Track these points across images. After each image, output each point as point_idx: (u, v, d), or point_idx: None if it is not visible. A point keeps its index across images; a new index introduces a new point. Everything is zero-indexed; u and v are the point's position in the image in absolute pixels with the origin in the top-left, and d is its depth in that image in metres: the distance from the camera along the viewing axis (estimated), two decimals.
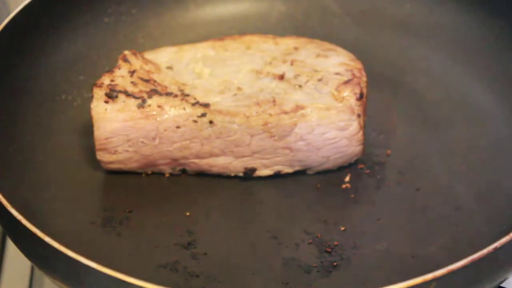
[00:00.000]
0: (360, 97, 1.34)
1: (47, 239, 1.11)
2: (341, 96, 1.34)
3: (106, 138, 1.33)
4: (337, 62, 1.40)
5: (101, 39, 1.56)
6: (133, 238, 1.30)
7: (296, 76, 1.38)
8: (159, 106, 1.32)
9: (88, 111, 1.32)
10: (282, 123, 1.32)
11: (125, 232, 1.31)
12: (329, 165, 1.37)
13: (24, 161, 1.36)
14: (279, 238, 1.30)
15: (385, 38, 1.60)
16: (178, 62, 1.42)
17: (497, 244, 1.10)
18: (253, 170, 1.37)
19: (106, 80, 1.34)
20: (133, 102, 1.32)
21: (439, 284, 1.07)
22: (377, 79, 1.48)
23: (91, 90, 1.33)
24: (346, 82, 1.35)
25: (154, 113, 1.32)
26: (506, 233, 1.12)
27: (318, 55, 1.41)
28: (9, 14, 1.42)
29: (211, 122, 1.32)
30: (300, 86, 1.36)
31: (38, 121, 1.43)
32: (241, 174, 1.38)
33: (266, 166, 1.36)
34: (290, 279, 1.24)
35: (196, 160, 1.36)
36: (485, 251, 1.09)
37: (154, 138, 1.34)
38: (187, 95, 1.35)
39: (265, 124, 1.32)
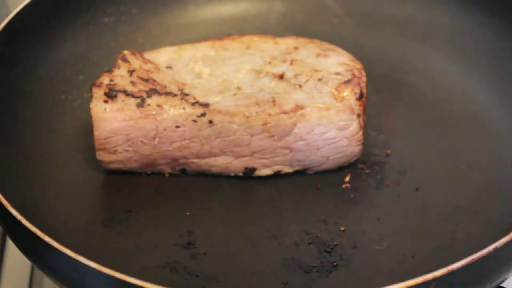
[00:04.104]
0: (360, 97, 1.34)
1: (47, 239, 1.11)
2: (341, 96, 1.34)
3: (106, 138, 1.33)
4: (337, 62, 1.40)
5: (101, 39, 1.56)
6: (133, 238, 1.30)
7: (296, 76, 1.38)
8: (158, 106, 1.32)
9: (88, 111, 1.32)
10: (282, 123, 1.32)
11: (125, 232, 1.31)
12: (328, 165, 1.37)
13: (24, 161, 1.36)
14: (279, 238, 1.30)
15: (385, 38, 1.60)
16: (178, 62, 1.42)
17: (497, 244, 1.10)
18: (253, 170, 1.37)
19: (105, 79, 1.34)
20: (132, 102, 1.32)
21: (439, 284, 1.07)
22: (377, 79, 1.48)
23: (91, 90, 1.33)
24: (346, 82, 1.35)
25: (154, 112, 1.32)
26: (506, 233, 1.12)
27: (318, 55, 1.41)
28: (9, 14, 1.42)
29: (210, 121, 1.32)
30: (300, 85, 1.36)
31: (38, 121, 1.43)
32: (241, 174, 1.38)
33: (265, 166, 1.36)
34: (290, 279, 1.24)
35: (196, 160, 1.36)
36: (485, 251, 1.09)
37: (153, 138, 1.34)
38: (187, 95, 1.35)
39: (265, 124, 1.32)
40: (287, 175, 1.38)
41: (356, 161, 1.39)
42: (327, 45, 1.44)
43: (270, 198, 1.36)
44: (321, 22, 1.63)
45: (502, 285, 1.26)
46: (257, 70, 1.39)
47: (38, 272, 1.40)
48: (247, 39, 1.46)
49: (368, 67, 1.42)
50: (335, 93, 1.34)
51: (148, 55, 1.43)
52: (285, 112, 1.32)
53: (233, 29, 1.60)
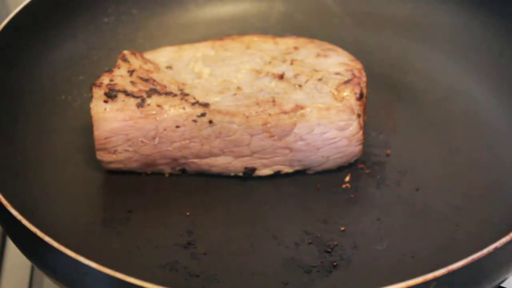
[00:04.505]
0: (360, 97, 1.34)
1: (47, 239, 1.11)
2: (341, 96, 1.34)
3: (106, 138, 1.33)
4: (337, 62, 1.40)
5: (101, 39, 1.56)
6: (133, 238, 1.30)
7: (296, 76, 1.38)
8: (158, 106, 1.32)
9: (88, 111, 1.32)
10: (282, 123, 1.32)
11: (125, 232, 1.31)
12: (328, 165, 1.37)
13: (24, 161, 1.36)
14: (279, 238, 1.30)
15: (385, 38, 1.60)
16: (178, 62, 1.42)
17: (497, 244, 1.10)
18: (253, 170, 1.37)
19: (105, 79, 1.34)
20: (132, 102, 1.32)
21: (439, 284, 1.07)
22: (377, 79, 1.48)
23: (91, 90, 1.33)
24: (346, 82, 1.35)
25: (154, 112, 1.32)
26: (506, 233, 1.12)
27: (318, 55, 1.41)
28: (9, 14, 1.42)
29: (210, 121, 1.32)
30: (300, 85, 1.36)
31: (38, 121, 1.43)
32: (241, 174, 1.38)
33: (265, 166, 1.36)
34: (290, 279, 1.24)
35: (196, 160, 1.36)
36: (485, 251, 1.09)
37: (153, 138, 1.34)
38: (187, 95, 1.35)
39: (265, 124, 1.32)
40: (287, 175, 1.38)
41: (356, 161, 1.39)
42: (327, 45, 1.44)
43: (270, 198, 1.36)
44: (321, 22, 1.62)
45: (502, 285, 1.26)
46: (257, 70, 1.39)
47: (38, 272, 1.40)
48: (247, 39, 1.46)
49: (368, 67, 1.42)
50: (335, 93, 1.34)
51: (148, 55, 1.43)
52: (285, 112, 1.32)
53: (233, 29, 1.60)
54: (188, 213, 1.33)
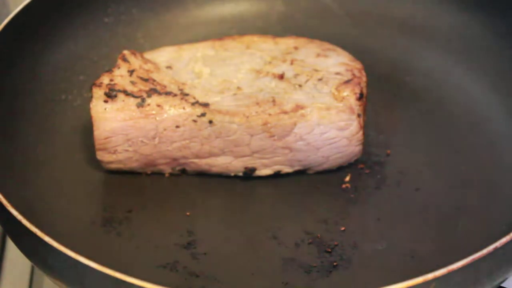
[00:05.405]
0: (360, 97, 1.34)
1: (47, 239, 1.11)
2: (341, 96, 1.34)
3: (106, 138, 1.33)
4: (337, 62, 1.40)
5: (101, 39, 1.56)
6: (133, 238, 1.30)
7: (296, 76, 1.38)
8: (158, 106, 1.32)
9: (88, 111, 1.32)
10: (282, 123, 1.32)
11: (125, 232, 1.31)
12: (328, 165, 1.37)
13: (24, 161, 1.36)
14: (279, 238, 1.30)
15: (385, 38, 1.60)
16: (178, 62, 1.42)
17: (497, 244, 1.10)
18: (253, 169, 1.37)
19: (105, 79, 1.34)
20: (132, 102, 1.32)
21: (439, 284, 1.07)
22: (377, 79, 1.48)
23: (91, 89, 1.33)
24: (346, 82, 1.35)
25: (154, 112, 1.32)
26: (506, 233, 1.12)
27: (318, 55, 1.41)
28: (9, 14, 1.42)
29: (210, 121, 1.32)
30: (300, 85, 1.36)
31: (38, 121, 1.43)
32: (241, 174, 1.38)
33: (265, 166, 1.36)
34: (290, 279, 1.24)
35: (196, 160, 1.36)
36: (485, 251, 1.09)
37: (153, 138, 1.34)
38: (187, 95, 1.35)
39: (265, 123, 1.32)
40: (287, 175, 1.38)
41: (356, 161, 1.39)
42: (327, 45, 1.44)
43: (270, 198, 1.36)
44: (321, 22, 1.62)
45: (502, 285, 1.27)
46: (257, 70, 1.39)
47: (38, 272, 1.40)
48: (247, 39, 1.46)
49: (368, 67, 1.42)
50: (335, 93, 1.34)
51: (148, 55, 1.43)
52: (285, 112, 1.32)
53: (233, 29, 1.60)
54: (188, 213, 1.33)
